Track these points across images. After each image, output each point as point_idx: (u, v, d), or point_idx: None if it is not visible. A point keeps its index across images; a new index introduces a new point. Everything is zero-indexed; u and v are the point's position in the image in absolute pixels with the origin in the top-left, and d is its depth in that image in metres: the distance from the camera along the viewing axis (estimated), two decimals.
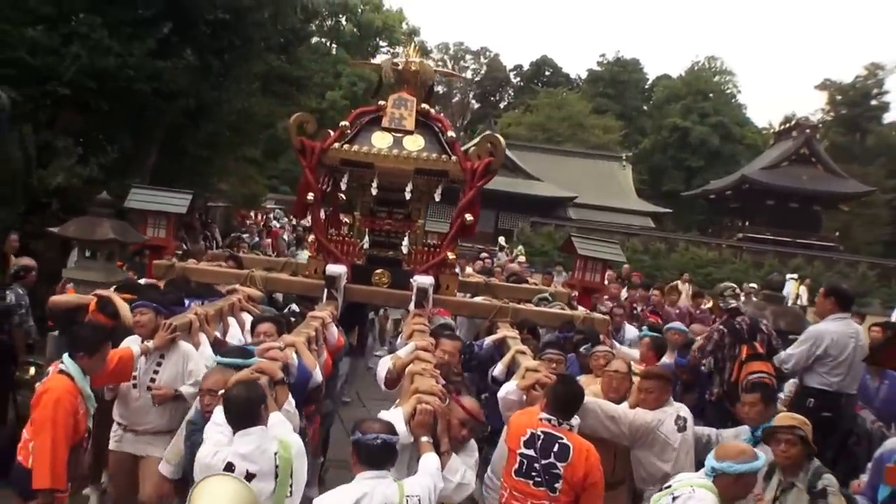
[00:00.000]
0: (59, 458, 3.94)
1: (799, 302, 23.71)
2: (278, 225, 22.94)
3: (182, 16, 10.69)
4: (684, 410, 4.92)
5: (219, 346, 5.25)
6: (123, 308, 5.35)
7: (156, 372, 5.04)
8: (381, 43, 43.10)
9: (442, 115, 7.94)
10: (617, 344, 7.34)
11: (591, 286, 9.07)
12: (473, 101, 71.08)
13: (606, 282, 10.16)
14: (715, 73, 60.30)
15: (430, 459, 3.61)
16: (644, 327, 8.05)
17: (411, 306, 6.78)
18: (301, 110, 8.01)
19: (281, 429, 3.65)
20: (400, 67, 7.35)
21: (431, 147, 7.16)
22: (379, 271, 7.19)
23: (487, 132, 8.01)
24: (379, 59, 8.57)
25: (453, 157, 7.07)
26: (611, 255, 9.56)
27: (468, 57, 71.22)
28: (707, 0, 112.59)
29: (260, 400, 3.61)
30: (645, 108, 63.52)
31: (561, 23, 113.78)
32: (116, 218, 7.29)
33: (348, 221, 8.21)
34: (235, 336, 5.90)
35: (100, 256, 6.85)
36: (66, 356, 4.24)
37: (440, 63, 65.34)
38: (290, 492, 3.51)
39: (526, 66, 69.95)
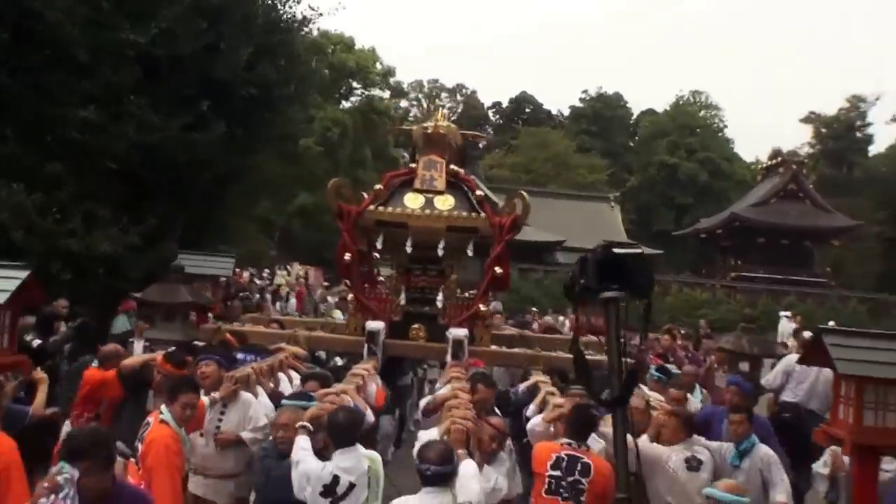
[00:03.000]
0: (178, 496, 4.66)
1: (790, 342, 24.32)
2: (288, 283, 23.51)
3: (217, 92, 11.95)
4: (703, 454, 5.59)
5: (274, 398, 6.10)
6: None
7: (220, 420, 5.80)
8: (355, 84, 43.51)
9: (471, 176, 8.73)
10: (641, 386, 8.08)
11: (596, 329, 9.96)
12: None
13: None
14: (700, 108, 62.13)
15: (468, 465, 4.46)
16: (652, 368, 8.88)
17: (448, 358, 7.52)
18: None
19: (368, 450, 4.61)
20: (429, 132, 8.19)
21: (461, 205, 8.01)
22: (416, 326, 7.98)
23: (514, 190, 8.84)
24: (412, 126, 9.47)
25: (482, 214, 7.88)
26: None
27: (444, 95, 71.22)
28: (688, 33, 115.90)
29: (356, 423, 4.59)
30: (630, 144, 65.01)
31: (539, 58, 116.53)
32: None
33: (383, 279, 8.95)
34: (285, 389, 6.67)
35: (178, 318, 7.69)
36: (162, 406, 4.96)
37: (414, 103, 66.47)
38: (378, 496, 4.51)
39: (505, 103, 70.74)
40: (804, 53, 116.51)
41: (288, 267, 30.19)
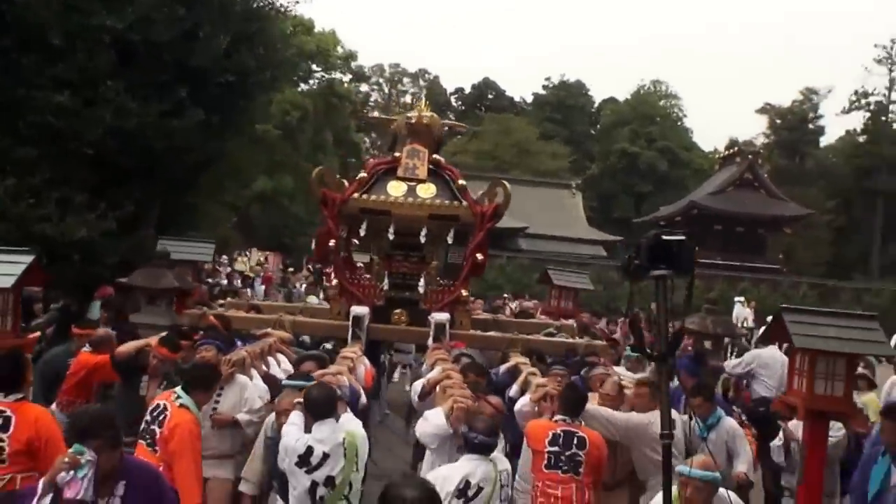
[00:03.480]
0: (200, 480, 4.86)
1: (745, 324, 25.20)
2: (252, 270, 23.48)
3: (195, 79, 12.08)
4: (675, 415, 5.94)
5: (268, 381, 6.31)
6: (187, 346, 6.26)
7: (217, 402, 5.93)
8: (316, 67, 42.72)
9: (452, 165, 8.96)
10: (615, 368, 8.43)
11: (565, 313, 10.54)
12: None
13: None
14: (661, 97, 63.06)
15: None
16: (627, 348, 9.33)
17: (430, 341, 7.77)
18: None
19: (350, 424, 4.89)
20: (413, 122, 8.39)
21: (443, 194, 8.26)
22: (398, 311, 8.21)
23: (495, 178, 9.11)
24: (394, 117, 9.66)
25: (464, 203, 8.11)
26: (582, 285, 11.68)
27: (406, 80, 70.58)
28: (649, 23, 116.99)
29: (331, 398, 4.83)
30: (592, 132, 65.68)
31: (502, 44, 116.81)
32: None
33: (362, 265, 9.14)
34: (276, 373, 6.85)
35: (162, 303, 7.75)
36: (179, 390, 5.08)
37: (374, 87, 65.97)
38: (357, 467, 4.74)
39: (468, 89, 70.32)
40: (761, 45, 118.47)
41: (247, 252, 30.11)
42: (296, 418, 4.80)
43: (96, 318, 9.48)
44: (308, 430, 4.72)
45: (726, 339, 12.00)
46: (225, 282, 18.02)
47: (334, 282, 9.17)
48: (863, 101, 57.29)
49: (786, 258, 47.27)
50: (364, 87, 56.95)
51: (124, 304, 9.40)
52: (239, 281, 17.07)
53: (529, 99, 68.97)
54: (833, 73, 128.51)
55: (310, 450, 4.57)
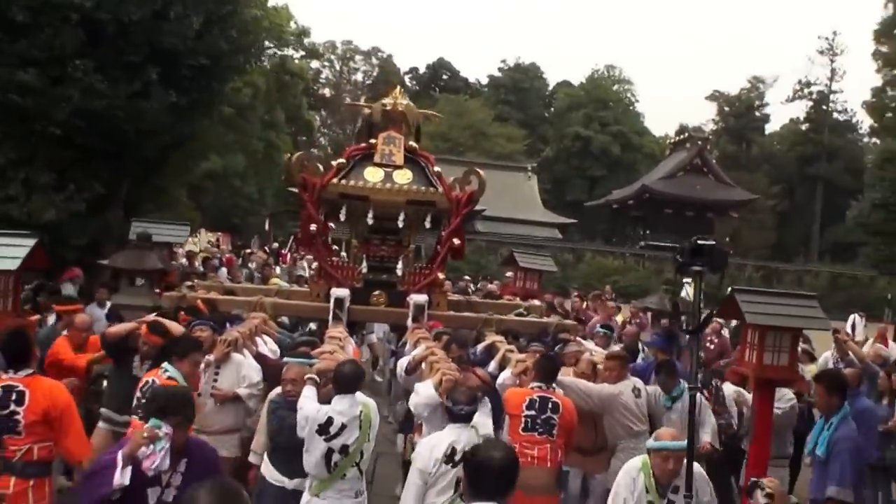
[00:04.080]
0: None
1: None
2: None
3: (166, 60, 11.94)
4: (639, 383, 6.78)
5: (259, 360, 6.59)
6: (174, 327, 6.45)
7: (215, 380, 6.25)
8: (268, 44, 42.32)
9: (426, 152, 9.21)
10: (584, 342, 8.84)
11: (529, 293, 11.01)
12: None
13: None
14: (614, 82, 64.03)
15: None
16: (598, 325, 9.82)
17: (409, 322, 8.06)
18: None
19: (364, 398, 5.24)
20: (388, 109, 8.61)
21: (419, 180, 8.52)
22: (377, 293, 8.47)
23: (470, 167, 9.41)
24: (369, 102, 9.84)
25: (440, 189, 8.39)
26: (545, 267, 12.26)
27: (358, 58, 69.34)
28: (604, 8, 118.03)
29: (359, 376, 5.23)
30: (546, 115, 66.33)
31: (457, 23, 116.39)
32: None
33: (337, 248, 9.36)
34: (264, 352, 7.08)
35: (145, 284, 8.07)
36: (166, 364, 5.28)
37: (326, 64, 65.25)
38: (369, 437, 5.13)
39: (422, 69, 70.09)
40: (711, 33, 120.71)
41: (197, 233, 29.76)
42: (309, 392, 5.18)
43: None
44: (326, 401, 5.10)
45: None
46: (185, 262, 17.94)
47: (303, 264, 9.35)
48: (806, 91, 59.32)
49: (732, 241, 48.69)
50: (315, 64, 56.09)
51: (92, 285, 9.56)
52: (200, 263, 16.96)
53: (484, 81, 69.30)
54: (779, 63, 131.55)
55: (330, 420, 4.94)
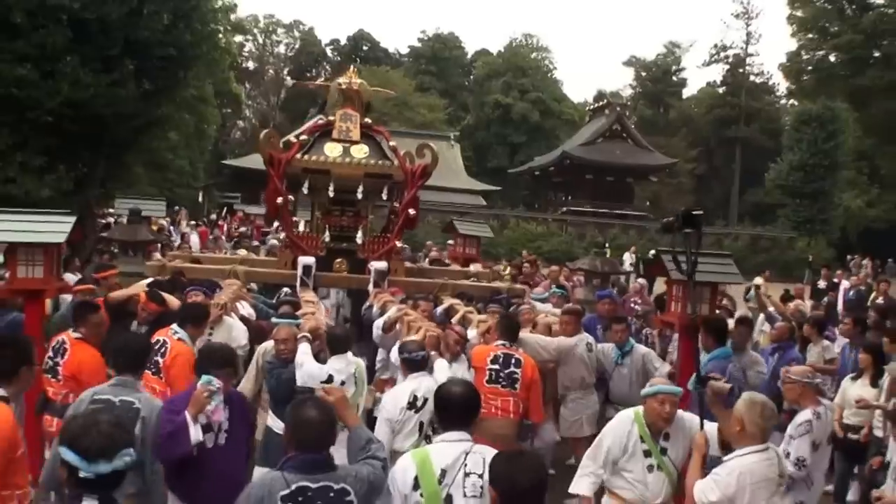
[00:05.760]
0: None
1: (627, 268, 27.55)
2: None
3: (139, 52, 13.65)
4: (591, 339, 7.57)
5: (244, 322, 7.41)
6: (169, 298, 7.16)
7: (209, 340, 6.78)
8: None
9: (382, 127, 9.98)
10: (535, 303, 9.80)
11: (470, 258, 12.02)
12: (288, 78, 71.30)
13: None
14: (532, 50, 65.43)
15: (441, 363, 6.06)
16: (553, 286, 10.76)
17: (370, 287, 8.87)
18: None
19: (355, 358, 6.03)
20: (344, 88, 9.36)
21: (375, 154, 9.28)
22: (339, 260, 9.24)
23: (423, 142, 10.20)
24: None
25: (395, 162, 9.21)
26: (483, 233, 13.54)
27: (280, 31, 70.38)
28: None
29: (349, 337, 6.14)
30: (466, 84, 67.37)
31: None
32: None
33: (297, 219, 10.09)
34: (246, 314, 7.85)
35: (138, 254, 9.30)
36: (176, 326, 6.06)
37: (248, 38, 65.02)
38: (362, 392, 5.93)
39: (343, 41, 71.03)
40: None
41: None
42: (306, 348, 5.92)
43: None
44: (319, 358, 5.87)
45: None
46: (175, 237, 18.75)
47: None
48: (722, 54, 61.78)
49: (652, 205, 50.76)
50: (238, 38, 56.00)
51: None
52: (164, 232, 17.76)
53: (405, 51, 70.13)
54: (695, 27, 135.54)
55: (330, 377, 5.68)
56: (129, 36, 13.22)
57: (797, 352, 8.49)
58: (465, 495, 3.55)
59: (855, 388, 7.20)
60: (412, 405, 5.24)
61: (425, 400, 5.22)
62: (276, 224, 24.77)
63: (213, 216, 30.55)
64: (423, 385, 5.32)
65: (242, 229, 23.50)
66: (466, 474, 3.57)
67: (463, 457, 3.60)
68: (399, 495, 3.61)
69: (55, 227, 6.44)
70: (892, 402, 5.98)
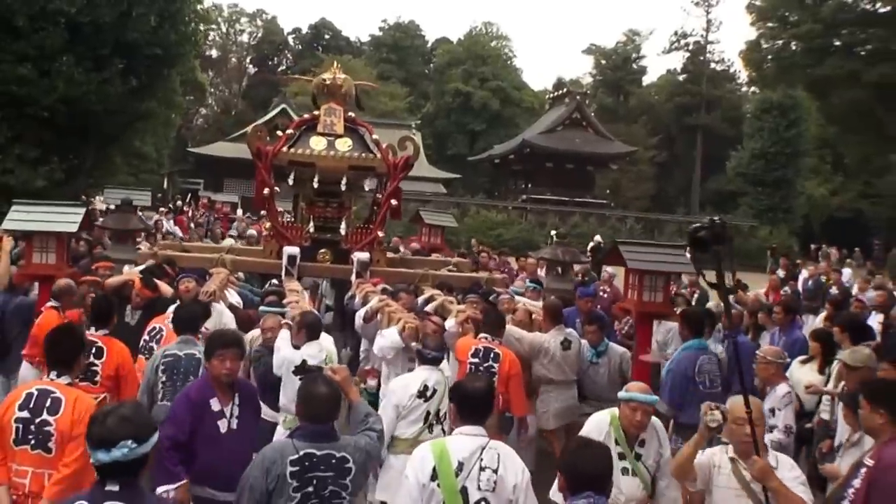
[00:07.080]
0: None
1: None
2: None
3: (129, 52, 15.00)
4: (573, 335, 7.54)
5: (232, 310, 7.74)
6: (162, 285, 7.64)
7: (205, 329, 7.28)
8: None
9: (364, 121, 10.38)
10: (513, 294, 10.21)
11: (434, 247, 12.51)
12: (250, 66, 70.99)
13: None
14: (492, 38, 66.02)
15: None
16: (528, 280, 11.17)
17: (353, 277, 9.26)
18: None
19: (327, 343, 6.52)
20: (328, 83, 9.72)
21: (358, 147, 9.68)
22: (323, 250, 9.62)
23: (405, 134, 10.61)
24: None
25: (378, 155, 9.60)
26: (448, 223, 14.33)
27: (243, 20, 70.81)
28: None
29: (320, 323, 6.58)
30: (427, 72, 67.72)
31: None
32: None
33: (281, 210, 10.44)
34: (234, 301, 8.21)
35: (129, 241, 9.77)
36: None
37: (213, 27, 64.93)
38: None
39: (305, 30, 71.37)
40: None
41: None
42: (285, 335, 6.33)
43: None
44: (298, 346, 6.22)
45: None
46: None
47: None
48: (682, 42, 62.83)
49: (612, 194, 51.51)
50: (202, 27, 56.08)
51: None
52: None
53: (366, 39, 70.65)
54: (654, 15, 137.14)
55: (304, 362, 6.08)
56: (120, 37, 14.40)
57: (745, 337, 8.76)
58: (479, 488, 3.79)
59: (803, 373, 7.29)
60: (422, 394, 5.47)
61: (434, 390, 5.51)
62: (245, 213, 25.56)
63: (179, 202, 30.58)
64: (433, 376, 5.59)
65: (210, 218, 23.59)
66: (482, 468, 3.81)
67: (479, 451, 3.85)
68: (417, 484, 3.84)
69: (67, 217, 7.05)
70: (842, 385, 6.26)
